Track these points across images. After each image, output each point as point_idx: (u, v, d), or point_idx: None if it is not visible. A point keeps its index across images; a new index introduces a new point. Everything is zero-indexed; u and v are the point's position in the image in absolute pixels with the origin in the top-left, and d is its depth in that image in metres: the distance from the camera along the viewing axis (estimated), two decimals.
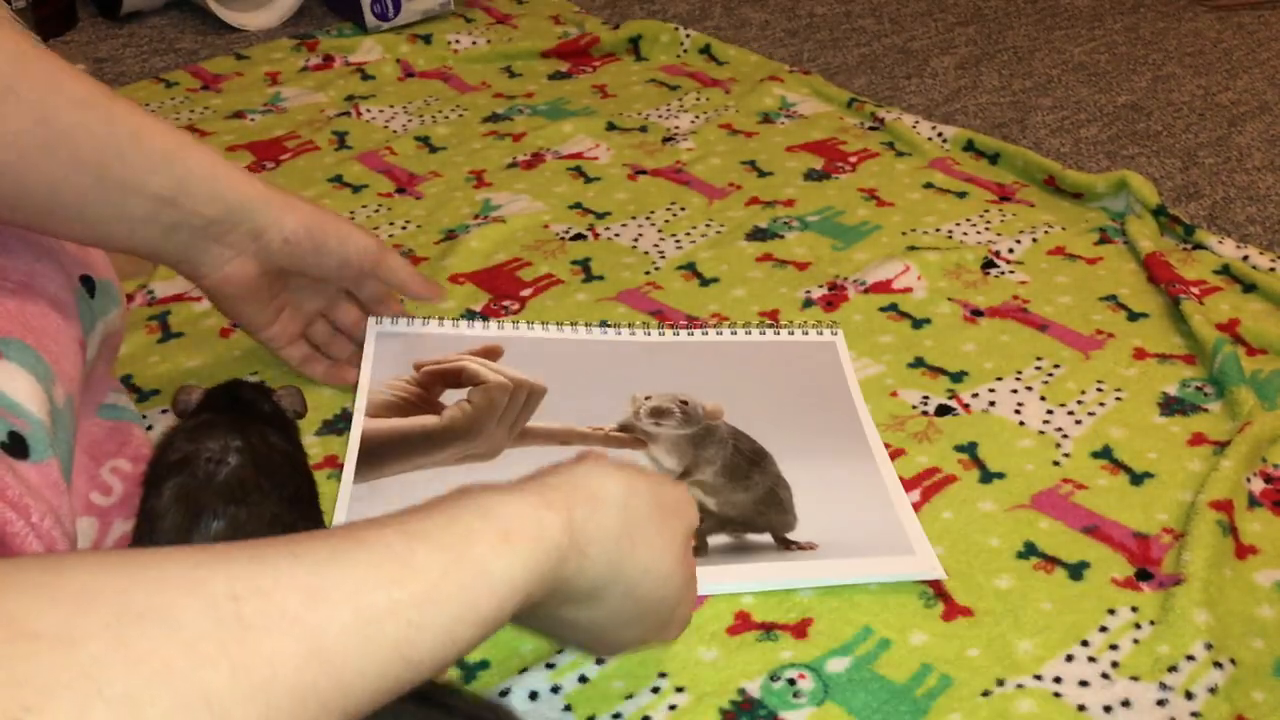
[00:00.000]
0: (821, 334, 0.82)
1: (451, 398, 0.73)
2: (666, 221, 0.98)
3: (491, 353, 0.77)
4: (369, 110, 1.18)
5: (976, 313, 0.87)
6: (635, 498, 0.47)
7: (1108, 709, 0.56)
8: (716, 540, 0.66)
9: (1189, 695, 0.57)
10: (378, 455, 0.69)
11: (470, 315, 0.85)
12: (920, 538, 0.66)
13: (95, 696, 0.27)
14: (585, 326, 0.81)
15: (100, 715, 0.27)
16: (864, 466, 0.71)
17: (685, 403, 0.74)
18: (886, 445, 0.73)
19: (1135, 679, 0.58)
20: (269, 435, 0.59)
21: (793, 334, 0.82)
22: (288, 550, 0.34)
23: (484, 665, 0.58)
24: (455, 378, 0.74)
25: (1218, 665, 0.58)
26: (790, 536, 0.66)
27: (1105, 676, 0.58)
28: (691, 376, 0.77)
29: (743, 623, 0.61)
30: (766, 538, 0.66)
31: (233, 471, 0.55)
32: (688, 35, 1.33)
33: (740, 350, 0.80)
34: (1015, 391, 0.78)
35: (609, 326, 0.81)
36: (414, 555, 0.36)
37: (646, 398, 0.74)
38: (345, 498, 0.66)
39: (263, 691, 0.30)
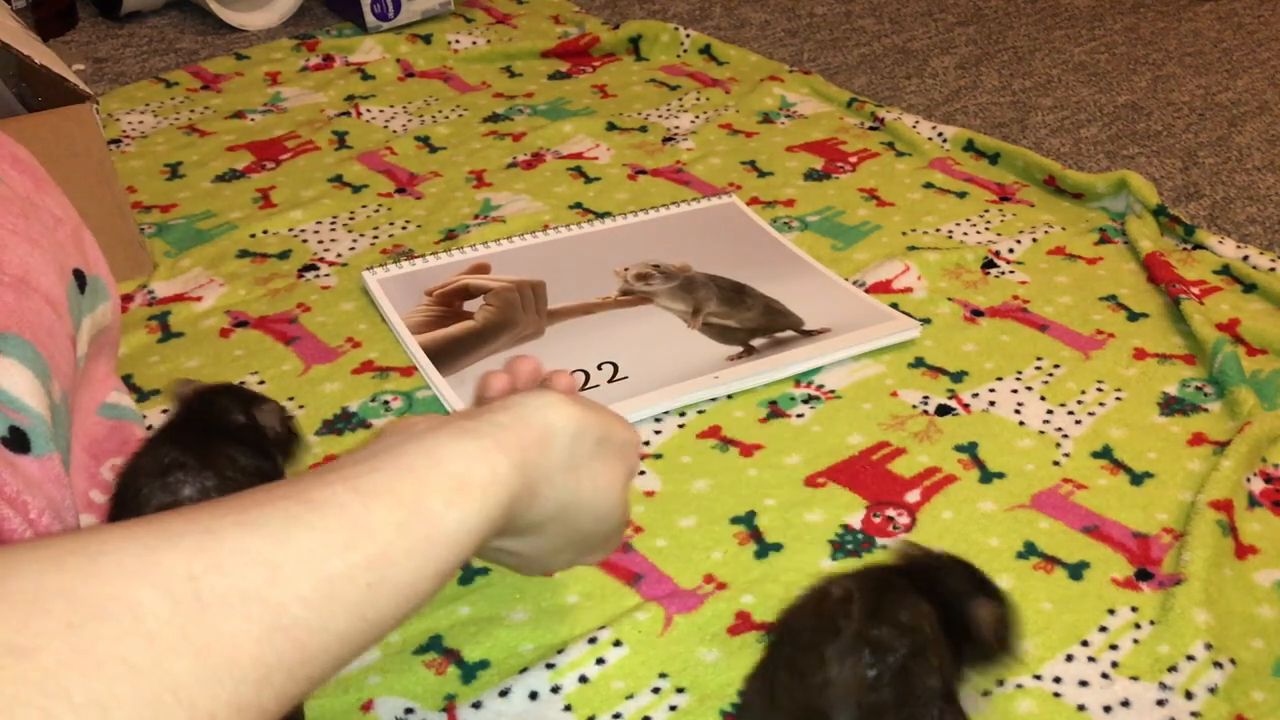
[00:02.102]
0: (720, 198, 1.00)
1: (472, 307, 0.85)
2: None
3: (481, 269, 0.89)
4: (369, 110, 1.18)
5: (976, 313, 0.87)
6: (584, 436, 0.47)
7: (1107, 709, 0.56)
8: (758, 341, 0.81)
9: (1189, 695, 0.57)
10: (445, 355, 0.80)
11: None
12: (891, 310, 0.84)
13: (62, 705, 0.27)
14: (540, 232, 0.94)
15: None
16: (817, 277, 0.89)
17: (658, 266, 0.89)
18: (887, 444, 0.73)
19: (1135, 679, 0.58)
20: (238, 458, 0.54)
21: (697, 203, 0.99)
22: (240, 520, 0.34)
23: (484, 665, 0.58)
24: (465, 292, 0.86)
25: (1218, 665, 0.58)
26: (806, 328, 0.83)
27: (1105, 676, 0.58)
28: (646, 251, 0.91)
29: (743, 623, 0.61)
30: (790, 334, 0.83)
31: None
32: (688, 35, 1.33)
33: (667, 223, 0.96)
34: (1015, 391, 0.78)
35: (559, 227, 0.95)
36: (368, 514, 0.36)
37: (626, 269, 0.89)
38: (446, 389, 0.76)
39: (227, 672, 0.30)
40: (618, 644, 0.59)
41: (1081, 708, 0.56)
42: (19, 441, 0.48)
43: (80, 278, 0.60)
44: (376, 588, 0.35)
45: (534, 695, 0.56)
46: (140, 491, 0.52)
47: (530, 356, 0.55)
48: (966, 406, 0.77)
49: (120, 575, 0.30)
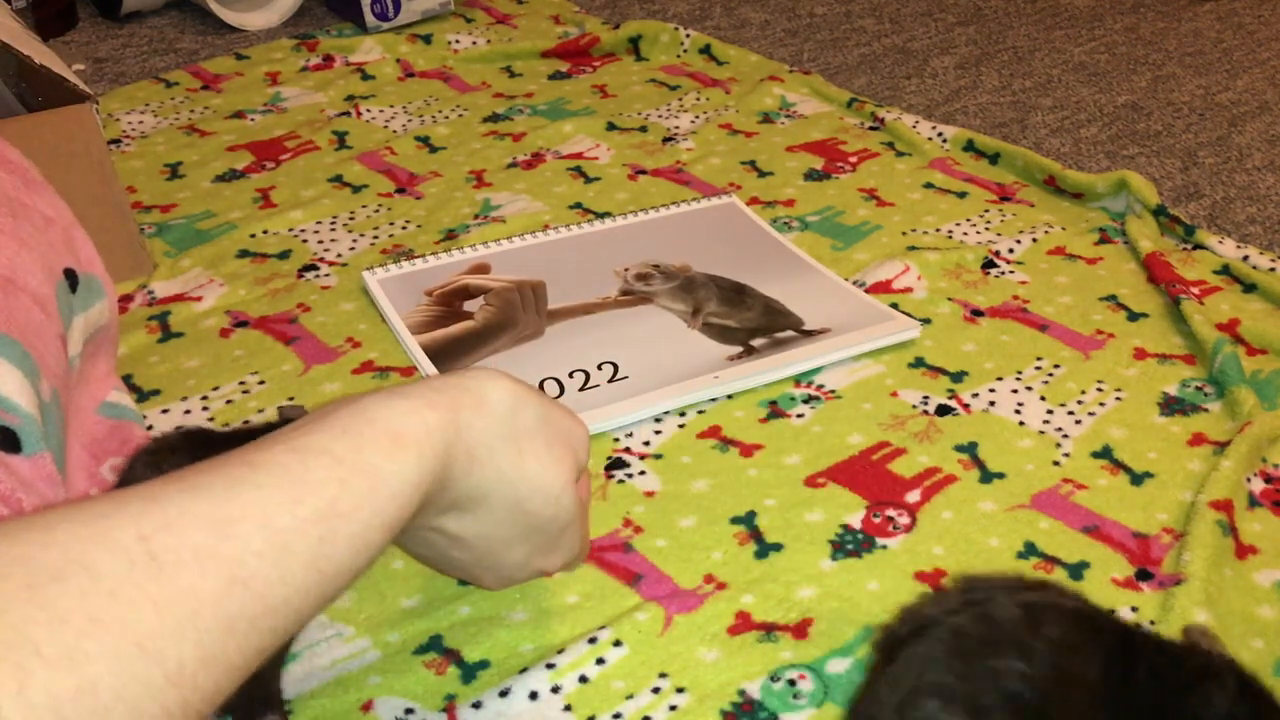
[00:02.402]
0: (720, 198, 1.00)
1: (472, 307, 0.85)
2: None
3: (482, 268, 0.89)
4: (369, 110, 1.18)
5: (976, 313, 0.87)
6: (523, 409, 0.47)
7: None
8: (758, 341, 0.82)
9: None
10: (445, 355, 0.80)
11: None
12: (891, 310, 0.84)
13: (33, 659, 0.27)
14: (540, 232, 0.94)
15: (43, 676, 0.27)
16: (817, 277, 0.89)
17: (658, 266, 0.89)
18: (887, 444, 0.73)
19: None
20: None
21: (697, 203, 0.99)
22: (185, 486, 0.35)
23: (484, 665, 0.58)
24: (465, 292, 0.86)
25: None
26: (806, 328, 0.83)
27: None
28: (646, 251, 0.92)
29: (743, 623, 0.61)
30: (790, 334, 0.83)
31: None
32: (688, 35, 1.33)
33: (667, 223, 0.96)
34: (1015, 391, 0.78)
35: (559, 227, 0.95)
36: (310, 472, 0.37)
37: (626, 269, 0.89)
38: None
39: (191, 624, 0.31)
40: (618, 644, 0.59)
41: None
42: (9, 441, 0.48)
43: (71, 277, 0.60)
44: (328, 540, 0.36)
45: (534, 695, 0.56)
46: (135, 471, 0.54)
47: None
48: (966, 406, 0.77)
49: (73, 541, 0.31)
